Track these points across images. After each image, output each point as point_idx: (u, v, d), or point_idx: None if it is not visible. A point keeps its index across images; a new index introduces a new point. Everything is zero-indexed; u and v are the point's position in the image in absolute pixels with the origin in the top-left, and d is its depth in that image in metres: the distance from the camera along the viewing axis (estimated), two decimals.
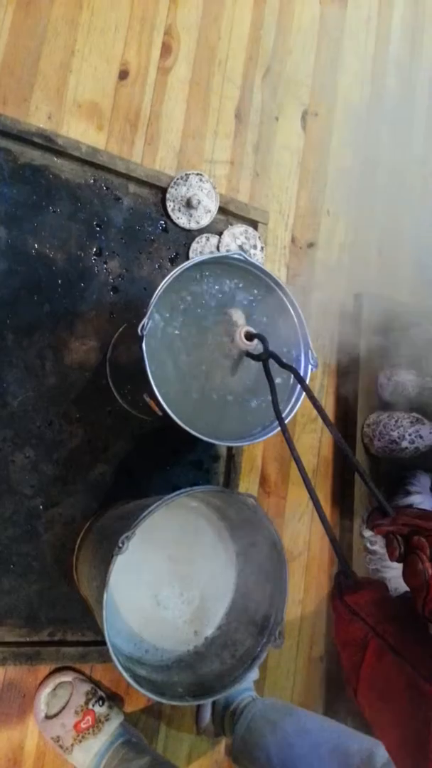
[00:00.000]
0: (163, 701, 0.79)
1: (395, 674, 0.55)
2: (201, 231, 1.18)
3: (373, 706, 0.57)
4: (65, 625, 1.01)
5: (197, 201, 1.14)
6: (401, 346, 1.36)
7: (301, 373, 0.92)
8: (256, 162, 1.31)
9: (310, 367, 0.92)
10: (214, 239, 1.18)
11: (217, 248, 1.18)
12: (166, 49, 1.22)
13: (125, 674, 0.74)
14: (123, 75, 1.17)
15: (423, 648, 0.56)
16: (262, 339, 0.83)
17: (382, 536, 0.60)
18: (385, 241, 1.49)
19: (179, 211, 1.15)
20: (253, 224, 1.23)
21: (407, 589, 0.58)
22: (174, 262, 1.15)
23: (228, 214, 1.21)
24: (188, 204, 1.14)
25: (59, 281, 1.05)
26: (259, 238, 1.22)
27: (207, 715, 1.10)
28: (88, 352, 1.06)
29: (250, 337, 0.84)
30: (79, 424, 1.05)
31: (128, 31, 1.18)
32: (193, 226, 1.16)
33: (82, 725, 0.96)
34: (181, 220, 1.15)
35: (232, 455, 1.17)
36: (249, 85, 1.32)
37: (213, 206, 1.17)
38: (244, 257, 0.89)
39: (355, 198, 1.46)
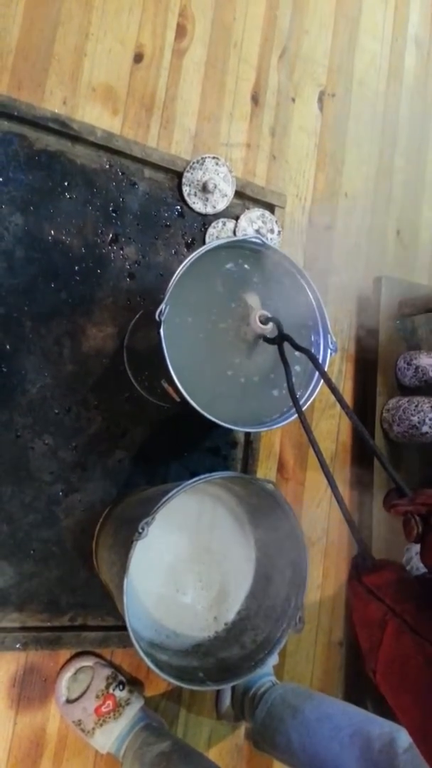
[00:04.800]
0: (184, 686, 0.79)
1: (414, 653, 0.55)
2: (217, 216, 1.17)
3: (393, 686, 0.57)
4: (86, 611, 1.02)
5: (213, 185, 1.13)
6: (421, 330, 1.34)
7: (320, 358, 0.91)
8: (273, 144, 1.30)
9: (329, 351, 0.91)
10: (230, 224, 1.17)
11: (234, 233, 1.17)
12: (181, 31, 1.21)
13: (146, 659, 0.75)
14: (138, 58, 1.16)
15: None
16: (277, 323, 0.83)
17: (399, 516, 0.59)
18: (403, 224, 1.47)
19: (195, 195, 1.14)
20: (270, 208, 1.22)
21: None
22: (190, 247, 1.15)
23: (244, 198, 1.19)
24: (204, 188, 1.13)
25: (76, 268, 1.04)
26: (276, 221, 1.21)
27: (227, 699, 1.10)
28: (106, 339, 1.06)
29: (265, 320, 0.84)
30: (97, 410, 1.05)
31: (143, 13, 1.17)
32: (210, 210, 1.15)
33: (103, 709, 0.97)
34: (197, 204, 1.14)
35: (249, 441, 1.17)
36: (265, 67, 1.31)
37: (229, 190, 1.16)
38: (261, 241, 0.88)
39: (373, 180, 1.44)
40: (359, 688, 1.26)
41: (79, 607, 1.02)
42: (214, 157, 1.14)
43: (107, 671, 1.01)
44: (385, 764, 0.82)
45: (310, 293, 0.92)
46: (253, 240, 0.88)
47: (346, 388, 1.34)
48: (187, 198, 1.13)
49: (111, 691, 0.99)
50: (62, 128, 1.02)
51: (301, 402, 0.87)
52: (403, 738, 0.84)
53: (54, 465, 1.01)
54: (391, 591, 0.61)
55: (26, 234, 1.01)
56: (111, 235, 1.08)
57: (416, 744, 0.53)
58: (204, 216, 1.16)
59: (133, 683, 1.06)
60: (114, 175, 1.08)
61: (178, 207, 1.14)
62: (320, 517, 1.28)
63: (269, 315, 0.83)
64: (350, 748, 0.87)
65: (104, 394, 1.05)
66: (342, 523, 1.28)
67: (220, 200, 1.15)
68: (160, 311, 0.78)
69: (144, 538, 0.75)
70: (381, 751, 0.84)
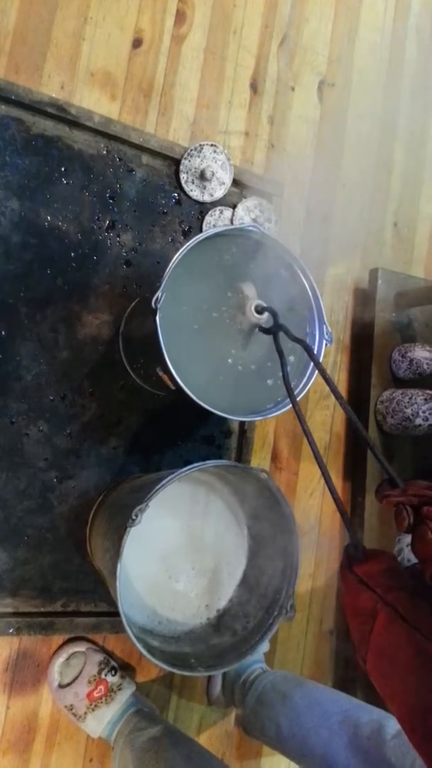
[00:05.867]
0: (175, 672, 0.80)
1: (405, 642, 0.55)
2: (214, 204, 1.16)
3: (383, 675, 0.58)
4: (78, 596, 1.03)
5: (211, 173, 1.12)
6: (416, 323, 1.34)
7: (316, 349, 0.91)
8: (271, 133, 1.29)
9: (324, 342, 0.91)
10: (227, 212, 1.17)
11: (231, 221, 1.17)
12: (181, 17, 1.20)
13: (138, 645, 0.75)
14: (137, 43, 1.15)
15: None
16: (273, 312, 0.83)
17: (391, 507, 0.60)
18: (401, 216, 1.47)
19: (193, 183, 1.13)
20: (268, 197, 1.21)
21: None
22: (187, 235, 1.14)
23: (242, 186, 1.19)
24: (202, 176, 1.12)
25: (72, 254, 1.04)
26: (273, 211, 1.21)
27: (218, 686, 1.11)
28: (101, 326, 1.06)
29: (260, 310, 0.84)
30: (92, 398, 1.05)
31: None
32: (207, 198, 1.15)
33: (95, 694, 0.98)
34: (195, 192, 1.14)
35: (244, 431, 1.17)
36: (265, 54, 1.30)
37: (227, 178, 1.15)
38: (258, 230, 0.88)
39: (371, 171, 1.44)
40: (349, 676, 1.27)
41: (72, 593, 1.02)
42: (212, 145, 1.14)
43: (99, 657, 1.02)
44: (374, 751, 0.83)
45: (306, 283, 0.92)
46: (250, 229, 0.88)
47: (341, 380, 1.34)
48: (184, 185, 1.13)
49: (103, 676, 1.00)
50: (60, 113, 1.02)
51: (295, 392, 0.87)
52: (392, 725, 0.85)
53: (48, 452, 1.01)
54: (382, 580, 0.61)
55: (22, 219, 1.00)
56: (108, 222, 1.07)
57: (404, 731, 0.54)
58: (201, 204, 1.15)
59: (125, 669, 1.07)
60: (111, 161, 1.08)
61: (176, 194, 1.13)
62: (313, 506, 1.28)
63: (265, 305, 0.83)
64: (339, 734, 0.88)
65: (99, 381, 1.05)
66: (334, 513, 1.29)
67: (218, 188, 1.15)
68: (156, 299, 0.78)
69: (137, 525, 0.76)
70: (369, 738, 0.85)
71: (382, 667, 0.57)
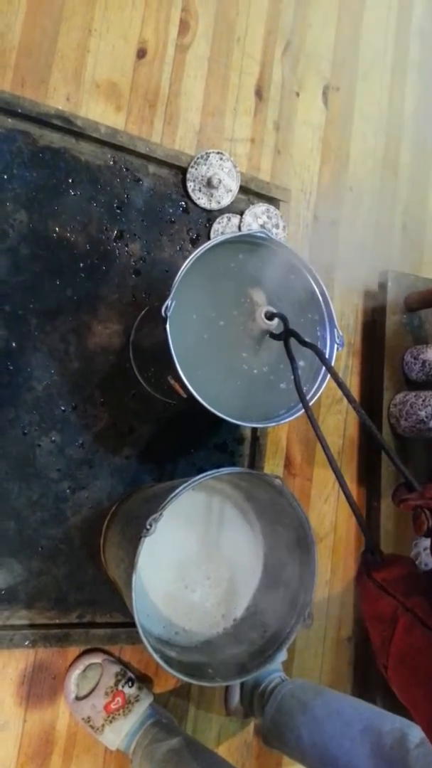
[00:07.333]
0: (193, 682, 0.79)
1: (426, 647, 0.54)
2: (222, 211, 1.16)
3: (404, 681, 0.57)
4: (94, 607, 1.02)
5: (218, 180, 1.12)
6: (428, 324, 1.34)
7: (327, 353, 0.91)
8: (277, 139, 1.29)
9: (335, 346, 0.90)
10: (235, 219, 1.17)
11: (239, 228, 1.17)
12: (184, 26, 1.20)
13: (155, 655, 0.75)
14: (141, 54, 1.15)
15: None
16: (283, 318, 0.82)
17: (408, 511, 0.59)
18: (409, 218, 1.46)
19: (200, 191, 1.13)
20: (275, 203, 1.21)
21: None
22: (195, 243, 1.14)
23: (249, 193, 1.19)
24: (209, 184, 1.12)
25: (81, 265, 1.04)
26: (281, 216, 1.20)
27: (236, 696, 1.10)
28: (111, 336, 1.06)
29: (270, 316, 0.83)
30: (104, 407, 1.04)
31: (145, 9, 1.16)
32: (214, 206, 1.14)
33: (113, 706, 0.97)
34: (202, 200, 1.14)
35: (256, 437, 1.17)
36: (269, 61, 1.30)
37: (234, 185, 1.15)
38: (266, 235, 0.88)
39: (378, 174, 1.43)
40: (368, 683, 1.26)
41: (87, 604, 1.02)
42: (218, 153, 1.14)
43: (116, 668, 1.01)
44: (397, 760, 0.82)
45: (316, 288, 0.92)
46: (259, 235, 0.88)
47: (353, 383, 1.34)
48: (191, 194, 1.13)
49: (120, 687, 0.99)
50: (66, 125, 1.02)
51: (307, 397, 0.87)
52: (415, 734, 0.83)
53: (61, 462, 1.01)
54: (401, 586, 0.61)
55: (31, 231, 1.01)
56: (116, 232, 1.07)
57: (429, 739, 0.53)
58: (209, 211, 1.15)
59: (142, 680, 1.06)
60: (118, 171, 1.08)
61: (183, 203, 1.13)
62: (328, 512, 1.28)
63: (275, 311, 0.83)
64: (361, 744, 0.87)
65: (110, 391, 1.05)
66: (350, 518, 1.28)
67: (225, 195, 1.15)
68: (166, 307, 0.78)
69: (152, 534, 0.75)
70: (392, 747, 0.84)
71: (403, 674, 0.57)
